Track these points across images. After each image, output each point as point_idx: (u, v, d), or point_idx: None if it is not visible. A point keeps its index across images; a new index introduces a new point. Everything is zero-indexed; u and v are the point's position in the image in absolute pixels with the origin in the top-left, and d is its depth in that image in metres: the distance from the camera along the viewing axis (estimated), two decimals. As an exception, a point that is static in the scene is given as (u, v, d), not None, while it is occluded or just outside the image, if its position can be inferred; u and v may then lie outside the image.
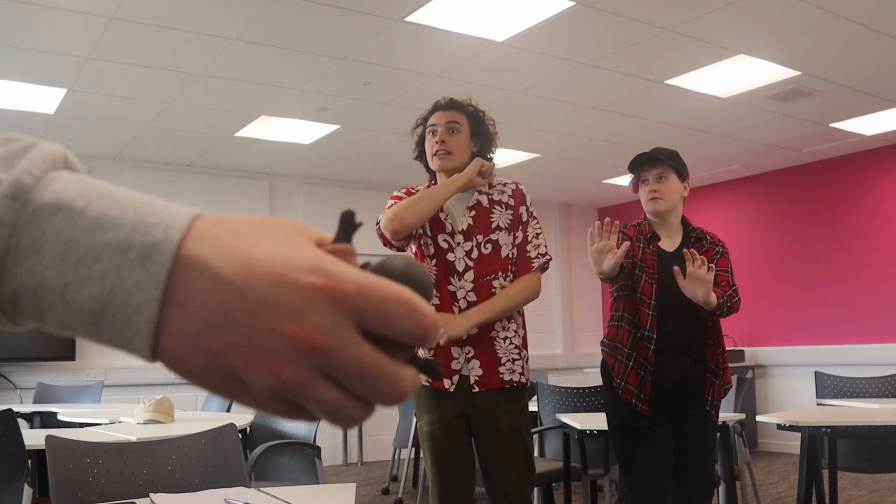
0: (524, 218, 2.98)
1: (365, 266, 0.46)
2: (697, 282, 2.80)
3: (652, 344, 3.00)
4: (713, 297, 2.85)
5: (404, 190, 2.98)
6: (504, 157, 7.57)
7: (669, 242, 3.14)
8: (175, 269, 0.43)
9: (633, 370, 3.03)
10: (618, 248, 2.79)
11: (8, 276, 0.44)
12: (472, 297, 2.84)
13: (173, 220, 0.44)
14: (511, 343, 2.87)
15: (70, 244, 0.44)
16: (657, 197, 3.08)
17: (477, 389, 2.80)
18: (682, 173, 3.15)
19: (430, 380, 2.78)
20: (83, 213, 0.44)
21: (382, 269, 0.46)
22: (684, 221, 3.20)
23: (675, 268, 2.85)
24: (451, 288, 2.85)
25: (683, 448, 3.06)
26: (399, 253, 0.62)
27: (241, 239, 0.45)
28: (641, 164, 3.14)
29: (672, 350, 3.02)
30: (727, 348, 8.40)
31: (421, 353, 2.79)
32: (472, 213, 2.91)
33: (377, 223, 2.89)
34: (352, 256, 0.47)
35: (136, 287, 0.43)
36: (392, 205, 2.88)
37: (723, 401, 4.48)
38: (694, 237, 3.14)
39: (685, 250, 2.87)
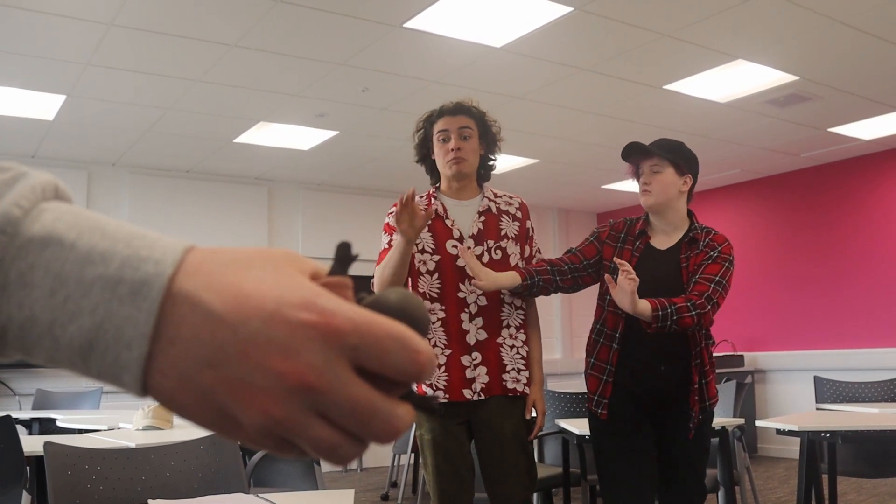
0: (530, 233, 3.05)
1: (360, 300, 0.46)
2: (622, 291, 2.61)
3: (616, 344, 2.85)
4: (642, 308, 2.63)
5: (394, 210, 2.92)
6: (503, 163, 7.57)
7: (666, 239, 2.96)
8: (166, 305, 0.42)
9: (593, 376, 2.90)
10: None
11: None
12: (483, 301, 2.85)
13: (164, 254, 0.44)
14: (518, 353, 2.88)
15: (59, 278, 0.43)
16: (647, 190, 2.94)
17: (483, 397, 2.80)
18: (681, 166, 2.95)
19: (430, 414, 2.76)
20: (73, 247, 0.43)
21: (377, 304, 0.45)
22: (691, 219, 3.01)
23: (607, 276, 2.71)
24: (460, 294, 2.85)
25: (668, 461, 2.88)
26: (395, 288, 0.62)
27: (234, 273, 0.44)
28: (636, 155, 2.98)
29: (645, 354, 2.84)
30: (727, 353, 8.40)
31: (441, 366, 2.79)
32: (482, 218, 2.94)
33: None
34: (347, 289, 0.46)
35: (126, 323, 0.42)
36: (382, 250, 2.93)
37: (722, 405, 4.50)
38: (690, 237, 2.94)
39: (615, 258, 2.73)
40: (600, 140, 6.89)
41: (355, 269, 0.46)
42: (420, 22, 4.38)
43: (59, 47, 4.55)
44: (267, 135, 6.50)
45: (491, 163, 3.06)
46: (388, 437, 0.44)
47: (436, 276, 2.87)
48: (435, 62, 4.98)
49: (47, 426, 4.79)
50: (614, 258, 2.72)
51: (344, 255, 0.47)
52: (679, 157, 2.95)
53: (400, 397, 0.44)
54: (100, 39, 4.44)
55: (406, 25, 4.42)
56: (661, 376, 2.86)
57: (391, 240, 2.92)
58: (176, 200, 7.57)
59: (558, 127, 6.48)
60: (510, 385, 2.83)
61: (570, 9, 4.27)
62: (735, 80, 5.46)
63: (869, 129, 6.80)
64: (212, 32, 4.44)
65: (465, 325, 2.84)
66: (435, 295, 2.86)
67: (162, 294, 0.42)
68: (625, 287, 2.60)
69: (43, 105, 5.55)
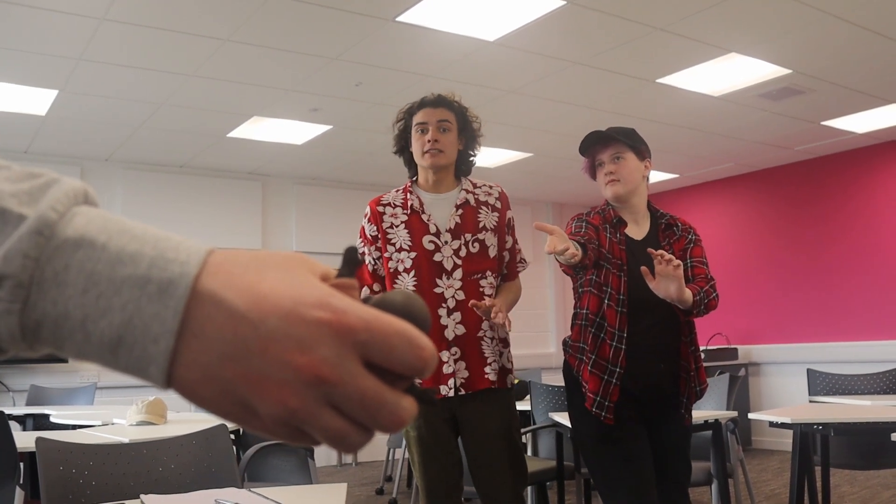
0: (512, 223, 3.02)
1: (366, 300, 0.49)
2: (668, 280, 2.53)
3: (623, 344, 2.71)
4: (688, 294, 2.58)
5: (369, 210, 2.94)
6: (496, 157, 7.58)
7: (637, 229, 2.89)
8: (191, 303, 0.46)
9: (594, 374, 2.74)
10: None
11: (31, 306, 0.46)
12: (461, 295, 2.82)
13: (189, 255, 0.47)
14: (498, 345, 2.88)
15: (91, 277, 0.46)
16: (615, 179, 2.84)
17: (463, 392, 2.79)
18: (641, 150, 2.88)
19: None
20: (104, 248, 0.47)
21: (383, 304, 0.49)
22: (651, 206, 2.96)
23: (644, 268, 2.57)
24: (437, 290, 2.82)
25: (660, 452, 2.83)
26: (399, 289, 0.62)
27: (253, 274, 0.47)
28: (593, 145, 2.90)
29: (644, 352, 2.74)
30: (720, 346, 8.41)
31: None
32: (460, 211, 2.91)
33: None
34: (354, 290, 0.50)
35: (153, 319, 0.45)
36: (364, 247, 2.90)
37: (716, 398, 4.52)
38: (664, 223, 2.91)
39: (649, 249, 2.58)
40: (594, 134, 6.89)
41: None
42: (413, 16, 4.37)
43: (50, 42, 4.53)
44: (260, 129, 6.49)
45: (471, 158, 3.03)
46: (394, 427, 0.47)
47: (412, 273, 2.84)
48: (428, 56, 4.97)
49: (41, 422, 4.79)
50: (649, 249, 2.60)
51: (351, 259, 0.51)
52: (637, 141, 2.90)
53: (404, 390, 0.48)
54: (92, 34, 4.43)
55: (399, 19, 4.41)
56: (659, 373, 2.79)
57: (365, 251, 2.91)
58: (169, 196, 7.56)
59: (552, 121, 6.48)
60: (492, 377, 2.81)
61: (563, 2, 4.26)
62: (728, 74, 5.47)
63: (862, 123, 6.81)
64: (205, 27, 4.42)
65: (443, 321, 2.81)
66: (411, 291, 2.83)
67: (188, 293, 0.46)
68: (674, 274, 2.52)
69: (35, 100, 5.53)
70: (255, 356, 0.45)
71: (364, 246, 2.93)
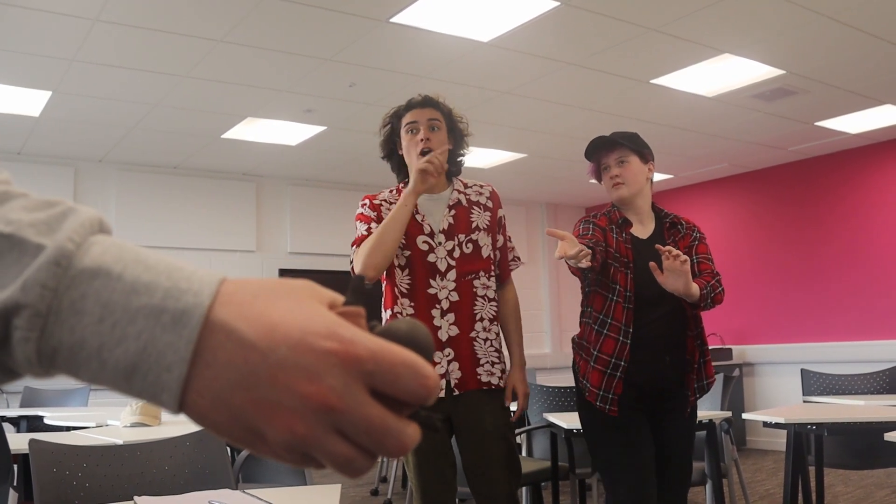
0: (503, 222, 3.02)
1: (372, 328, 0.51)
2: (676, 274, 2.62)
3: (628, 339, 2.81)
4: (695, 288, 2.68)
5: (367, 201, 2.92)
6: (491, 157, 7.58)
7: (642, 229, 2.98)
8: (204, 333, 0.47)
9: (597, 370, 2.83)
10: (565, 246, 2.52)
11: (48, 334, 0.48)
12: (455, 296, 2.82)
13: (202, 286, 0.49)
14: (491, 346, 2.87)
15: (107, 307, 0.48)
16: (620, 182, 2.94)
17: (457, 392, 2.79)
18: (644, 154, 2.99)
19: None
20: (119, 278, 0.48)
21: (389, 333, 0.51)
22: (655, 207, 3.05)
23: (652, 263, 2.67)
24: (431, 290, 2.81)
25: (664, 445, 2.89)
26: (403, 318, 0.61)
27: (263, 304, 0.49)
28: (598, 150, 3.00)
29: (649, 344, 2.83)
30: (715, 346, 8.43)
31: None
32: (453, 212, 2.90)
33: (350, 262, 2.85)
34: (361, 318, 0.51)
35: (167, 348, 0.47)
36: (360, 236, 2.84)
37: (710, 398, 4.52)
38: (668, 223, 3.00)
39: (657, 246, 2.68)
40: (588, 134, 6.82)
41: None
42: (407, 17, 4.38)
43: (44, 43, 4.52)
44: (254, 130, 6.49)
45: (460, 159, 3.02)
46: (399, 452, 0.49)
47: (406, 271, 2.84)
48: (422, 57, 4.97)
49: (35, 424, 4.77)
50: (657, 245, 2.68)
51: (358, 288, 0.53)
52: (640, 145, 2.99)
53: (408, 416, 0.50)
54: (85, 35, 4.42)
55: (393, 20, 4.41)
56: (666, 366, 2.85)
57: (370, 227, 2.87)
58: (163, 197, 7.54)
59: (546, 121, 6.48)
60: (485, 378, 2.82)
61: (557, 3, 4.27)
62: (722, 75, 5.48)
63: (855, 123, 6.83)
64: (198, 28, 4.42)
65: (437, 322, 2.80)
66: (405, 290, 2.83)
67: (201, 323, 0.47)
68: (682, 269, 2.60)
69: (29, 101, 5.52)
70: (265, 384, 0.47)
71: (364, 224, 2.87)
